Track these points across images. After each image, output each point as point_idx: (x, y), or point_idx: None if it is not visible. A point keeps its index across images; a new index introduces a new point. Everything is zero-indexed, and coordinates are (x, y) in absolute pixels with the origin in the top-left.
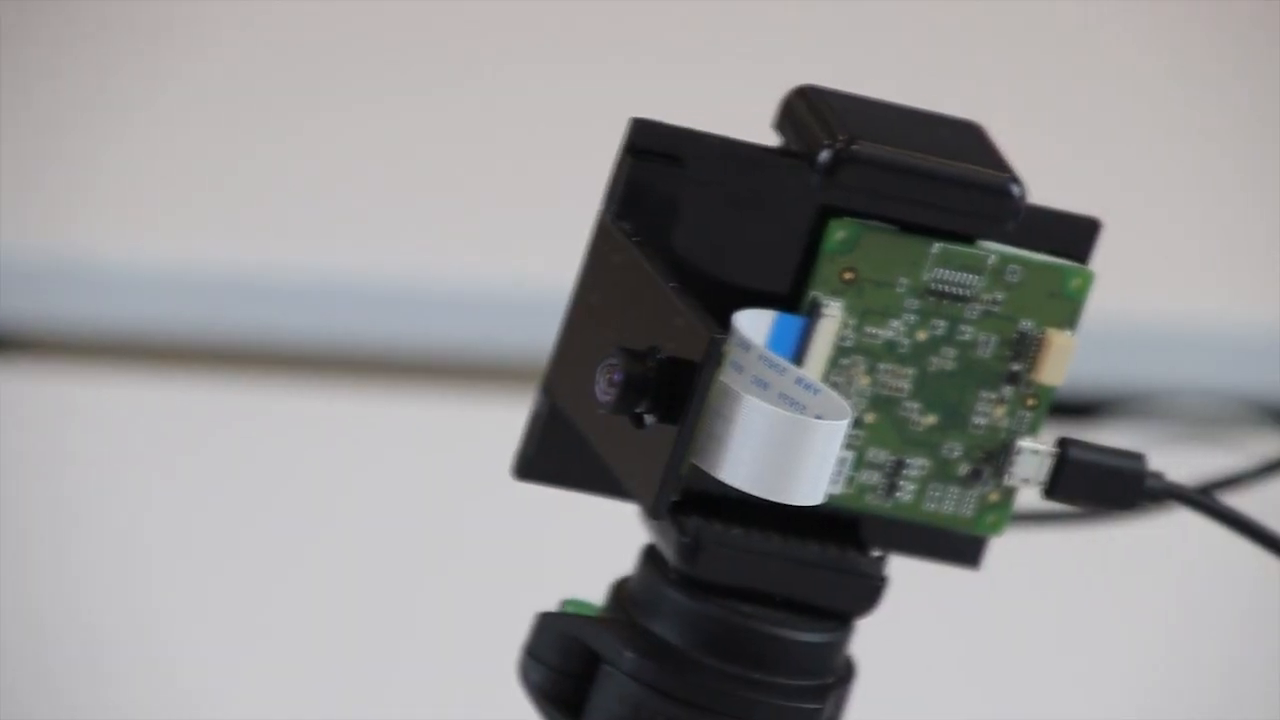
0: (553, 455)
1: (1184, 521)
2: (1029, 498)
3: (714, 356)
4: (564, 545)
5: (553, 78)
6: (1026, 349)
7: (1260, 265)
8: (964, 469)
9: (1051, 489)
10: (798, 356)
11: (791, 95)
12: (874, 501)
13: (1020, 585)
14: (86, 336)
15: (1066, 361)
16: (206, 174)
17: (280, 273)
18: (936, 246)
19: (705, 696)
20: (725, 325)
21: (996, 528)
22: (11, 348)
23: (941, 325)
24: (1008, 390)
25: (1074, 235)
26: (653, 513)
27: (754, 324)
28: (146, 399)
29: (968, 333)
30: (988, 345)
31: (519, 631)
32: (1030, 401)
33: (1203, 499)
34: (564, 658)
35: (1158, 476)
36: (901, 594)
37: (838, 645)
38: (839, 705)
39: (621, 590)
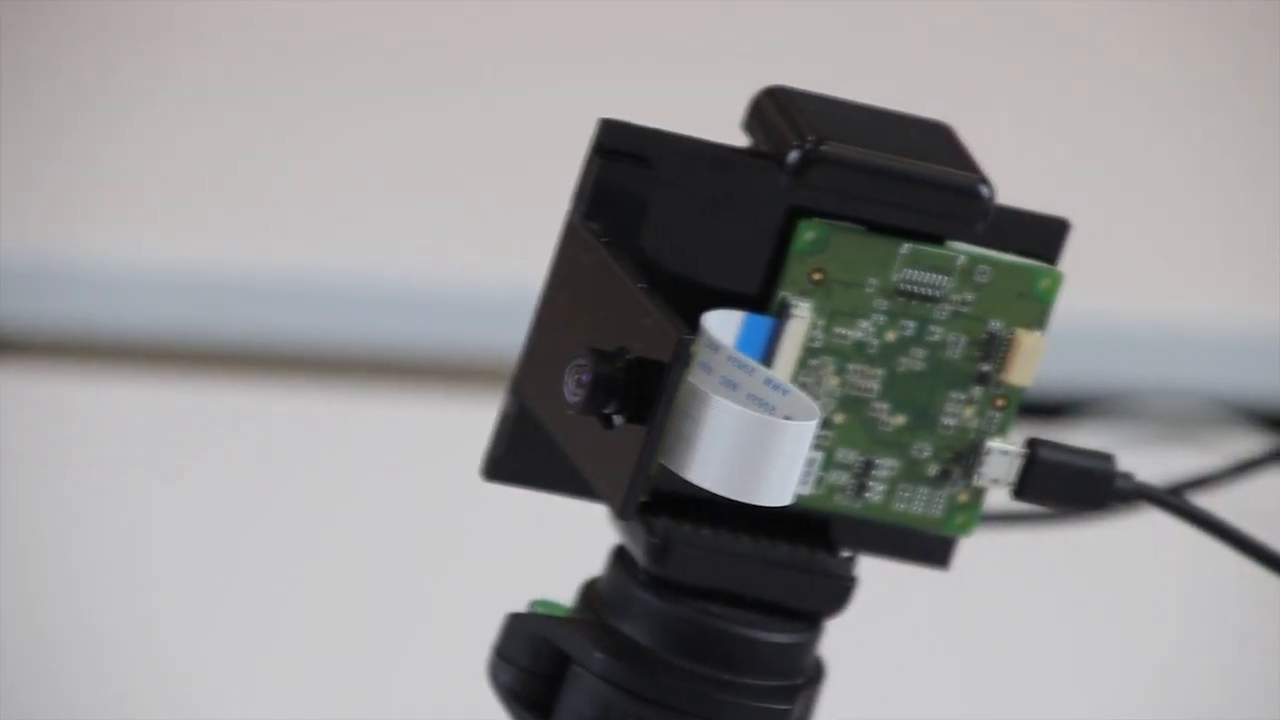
0: (521, 456)
1: (1154, 522)
2: (998, 498)
3: (682, 357)
4: (533, 546)
5: (552, 78)
6: (996, 349)
7: (1235, 266)
8: (933, 469)
9: (1021, 489)
10: (766, 357)
11: (760, 96)
12: (843, 502)
13: (989, 586)
14: (86, 337)
15: (1036, 362)
16: (206, 174)
17: (280, 273)
18: (905, 247)
19: (675, 697)
20: (694, 326)
21: (966, 528)
22: (11, 348)
23: (911, 326)
24: (977, 391)
25: (1043, 236)
26: (621, 513)
27: (723, 324)
28: (146, 400)
29: (937, 333)
30: (957, 346)
31: (489, 632)
32: (999, 402)
33: (1172, 499)
34: (533, 658)
35: (1127, 477)
36: (871, 595)
37: (807, 646)
38: (808, 706)
39: (591, 591)
